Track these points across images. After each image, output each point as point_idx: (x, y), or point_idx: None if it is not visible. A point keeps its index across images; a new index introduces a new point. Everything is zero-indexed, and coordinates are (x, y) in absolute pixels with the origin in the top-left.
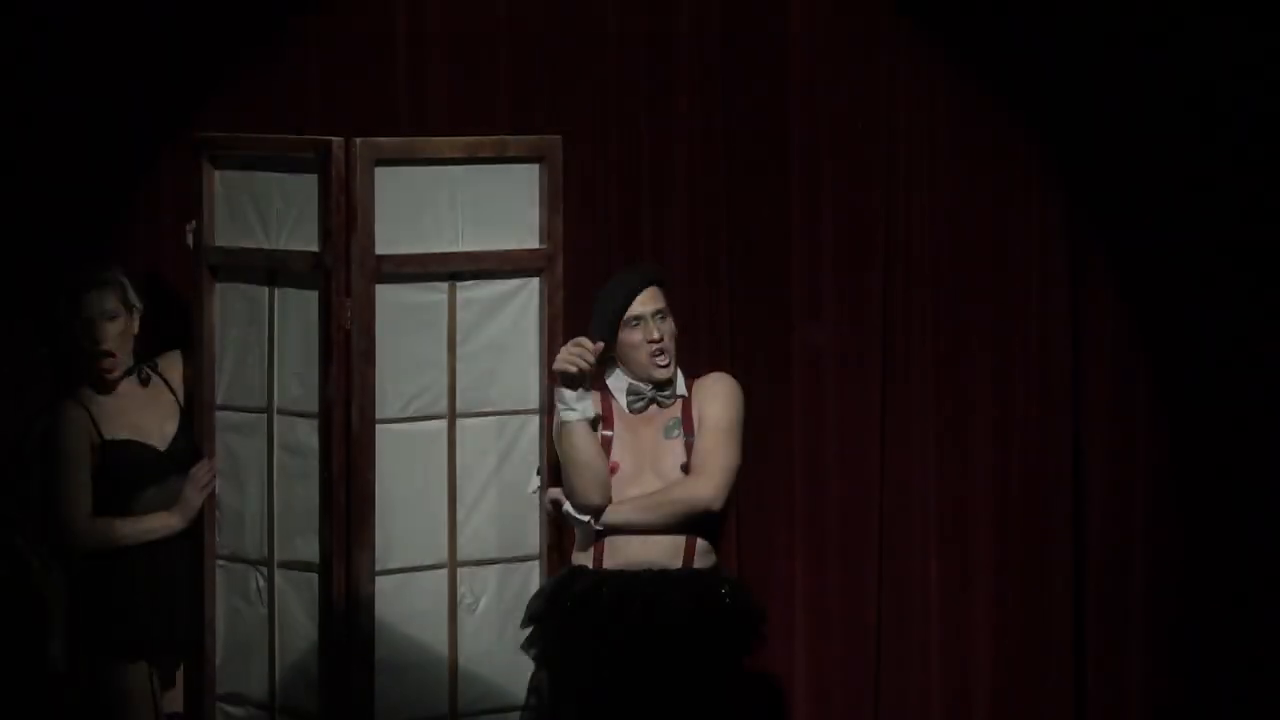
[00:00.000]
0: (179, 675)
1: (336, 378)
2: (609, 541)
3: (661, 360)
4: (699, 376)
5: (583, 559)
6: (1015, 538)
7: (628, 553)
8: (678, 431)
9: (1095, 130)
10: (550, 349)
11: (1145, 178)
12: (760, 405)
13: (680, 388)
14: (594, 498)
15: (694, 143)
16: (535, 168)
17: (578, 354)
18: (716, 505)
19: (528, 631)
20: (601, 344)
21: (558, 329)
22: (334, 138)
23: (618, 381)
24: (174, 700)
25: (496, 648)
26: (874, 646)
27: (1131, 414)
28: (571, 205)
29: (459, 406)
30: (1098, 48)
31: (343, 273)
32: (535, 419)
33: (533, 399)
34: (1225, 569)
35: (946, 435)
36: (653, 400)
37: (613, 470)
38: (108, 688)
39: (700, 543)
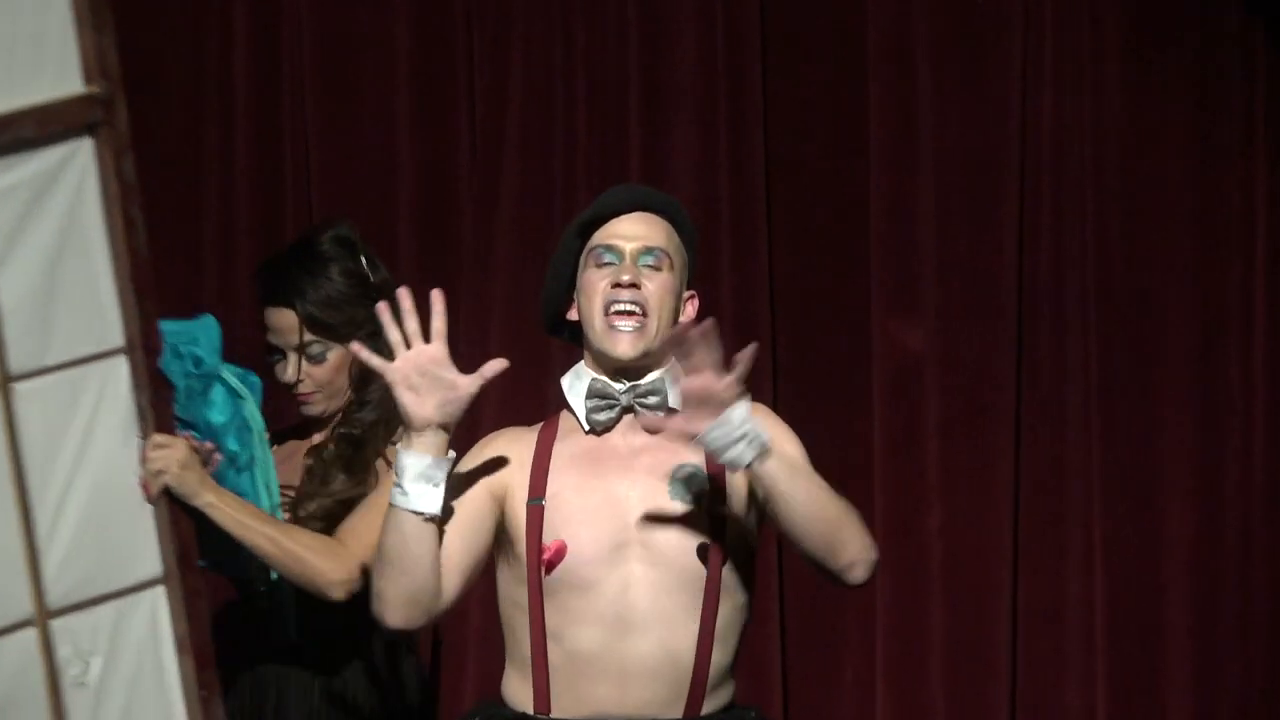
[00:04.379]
0: None
1: None
2: (559, 671)
3: (625, 323)
4: None
5: (518, 691)
6: (1215, 647)
7: (595, 697)
8: (701, 489)
9: None
10: (129, 244)
11: None
12: (820, 449)
13: (675, 399)
14: (393, 614)
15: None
16: None
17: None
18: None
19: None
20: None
21: (136, 215)
22: None
23: (577, 381)
24: None
25: None
26: None
27: None
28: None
29: (11, 365)
30: None
31: None
32: (122, 363)
33: (114, 334)
34: None
35: (1117, 491)
36: (627, 411)
37: (550, 563)
38: None
39: (716, 660)
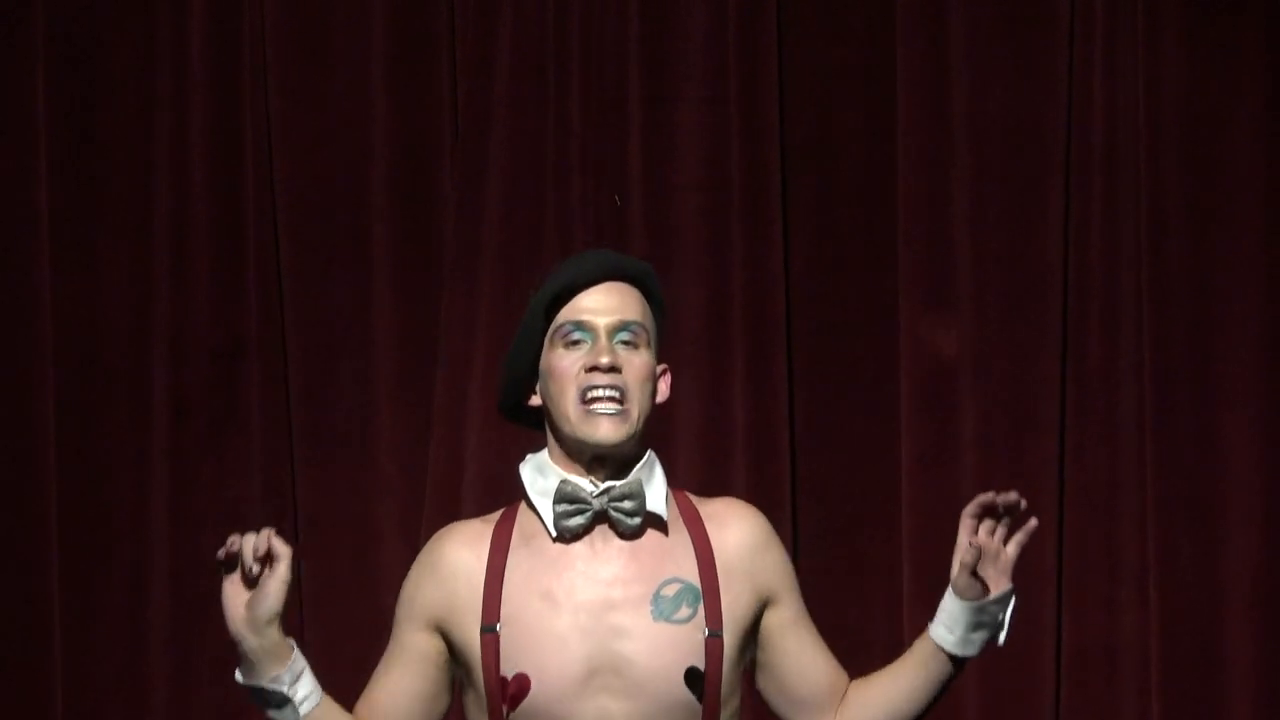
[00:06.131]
0: None
1: None
2: None
3: (605, 406)
4: (699, 494)
5: None
6: None
7: None
8: (690, 608)
9: None
10: None
11: None
12: (842, 466)
13: (654, 500)
14: None
15: None
16: None
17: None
18: None
19: None
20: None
21: None
22: None
23: (540, 478)
24: None
25: None
26: None
27: None
28: None
29: None
30: None
31: None
32: None
33: None
34: None
35: (1175, 511)
36: (600, 518)
37: (513, 698)
38: None
39: None
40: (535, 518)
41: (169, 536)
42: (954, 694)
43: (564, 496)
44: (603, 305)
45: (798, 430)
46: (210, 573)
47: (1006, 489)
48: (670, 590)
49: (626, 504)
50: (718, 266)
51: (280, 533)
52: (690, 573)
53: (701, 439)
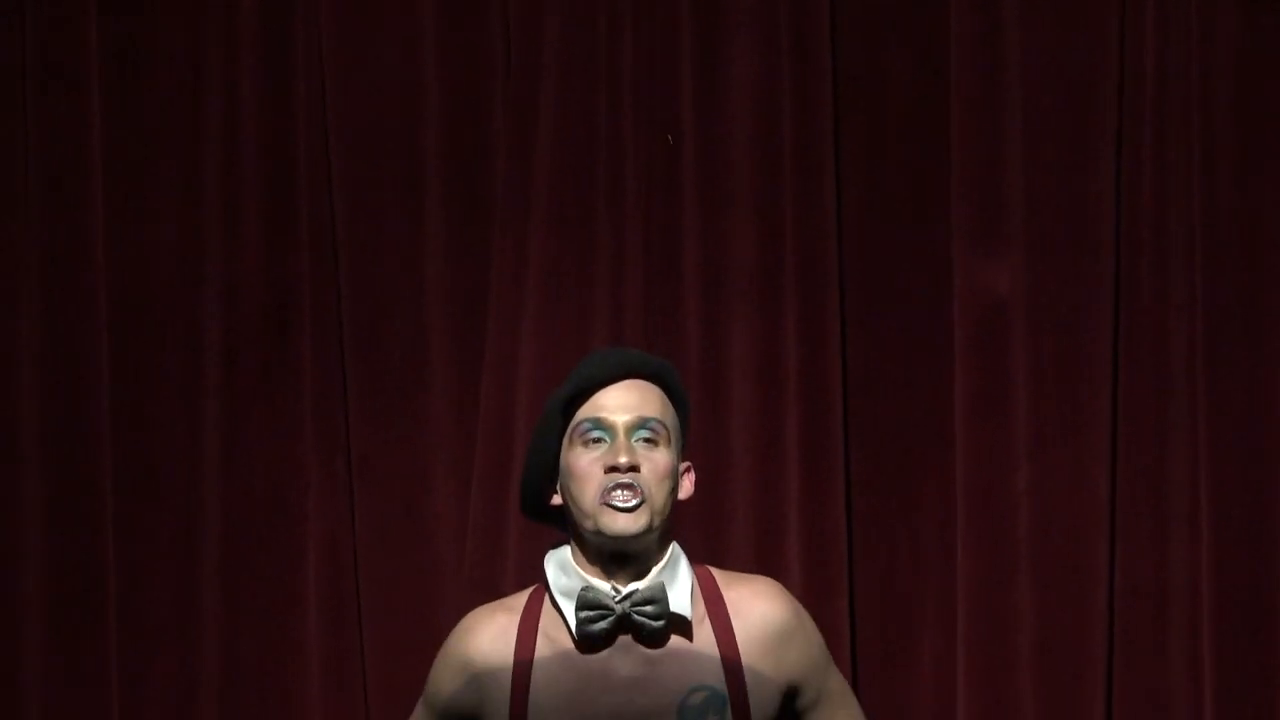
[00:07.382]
0: None
1: None
2: None
3: (622, 498)
4: (726, 568)
5: None
6: None
7: None
8: (718, 715)
9: None
10: None
11: None
12: (895, 406)
13: (677, 601)
14: None
15: None
16: None
17: None
18: None
19: None
20: None
21: None
22: None
23: (564, 578)
24: None
25: None
26: None
27: None
28: None
29: None
30: None
31: None
32: None
33: None
34: None
35: (1227, 449)
36: (623, 622)
37: None
38: None
39: None
40: (559, 616)
41: (220, 486)
42: (1008, 631)
43: (585, 604)
44: (621, 403)
45: (850, 371)
46: (262, 517)
47: (1058, 430)
48: (697, 699)
49: (649, 608)
50: (770, 208)
51: (333, 477)
52: (715, 675)
53: (754, 381)
